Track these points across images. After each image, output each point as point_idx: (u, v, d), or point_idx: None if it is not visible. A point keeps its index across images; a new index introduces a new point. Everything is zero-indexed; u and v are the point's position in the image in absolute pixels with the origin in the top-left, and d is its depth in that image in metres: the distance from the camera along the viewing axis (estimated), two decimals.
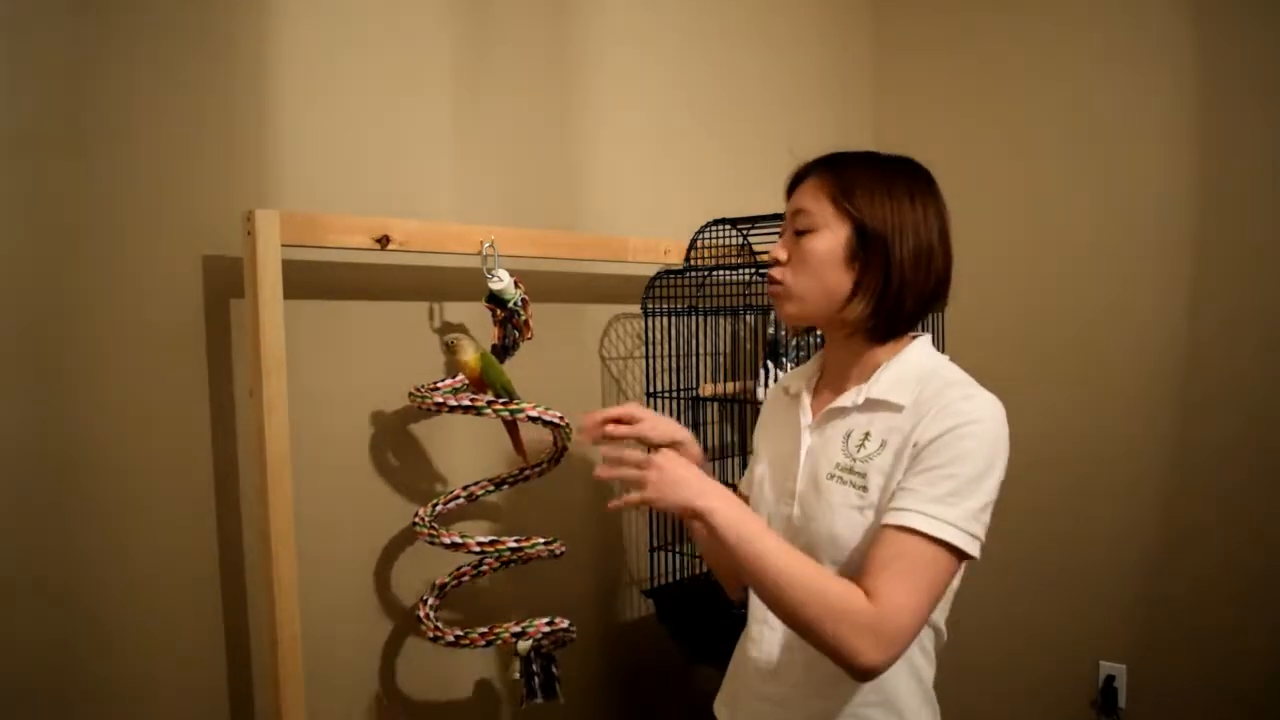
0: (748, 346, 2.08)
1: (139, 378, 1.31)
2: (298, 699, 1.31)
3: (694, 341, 1.93)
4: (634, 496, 1.03)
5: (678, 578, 1.93)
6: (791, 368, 1.81)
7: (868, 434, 1.08)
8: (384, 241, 1.42)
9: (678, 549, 1.93)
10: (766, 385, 1.83)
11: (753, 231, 1.89)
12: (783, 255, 1.12)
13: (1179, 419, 2.19)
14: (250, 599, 1.42)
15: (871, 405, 1.09)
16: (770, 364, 1.85)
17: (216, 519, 1.39)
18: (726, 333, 2.07)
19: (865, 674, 0.96)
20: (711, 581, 1.93)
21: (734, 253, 1.91)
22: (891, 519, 0.99)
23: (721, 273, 1.88)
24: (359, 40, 1.53)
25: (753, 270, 1.86)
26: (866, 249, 1.06)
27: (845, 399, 1.11)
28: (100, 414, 1.28)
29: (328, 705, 1.48)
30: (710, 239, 1.90)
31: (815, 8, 2.50)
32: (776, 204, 2.03)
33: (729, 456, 2.07)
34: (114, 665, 1.29)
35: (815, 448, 1.13)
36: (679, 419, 1.95)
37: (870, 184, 1.08)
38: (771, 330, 1.91)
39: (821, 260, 1.08)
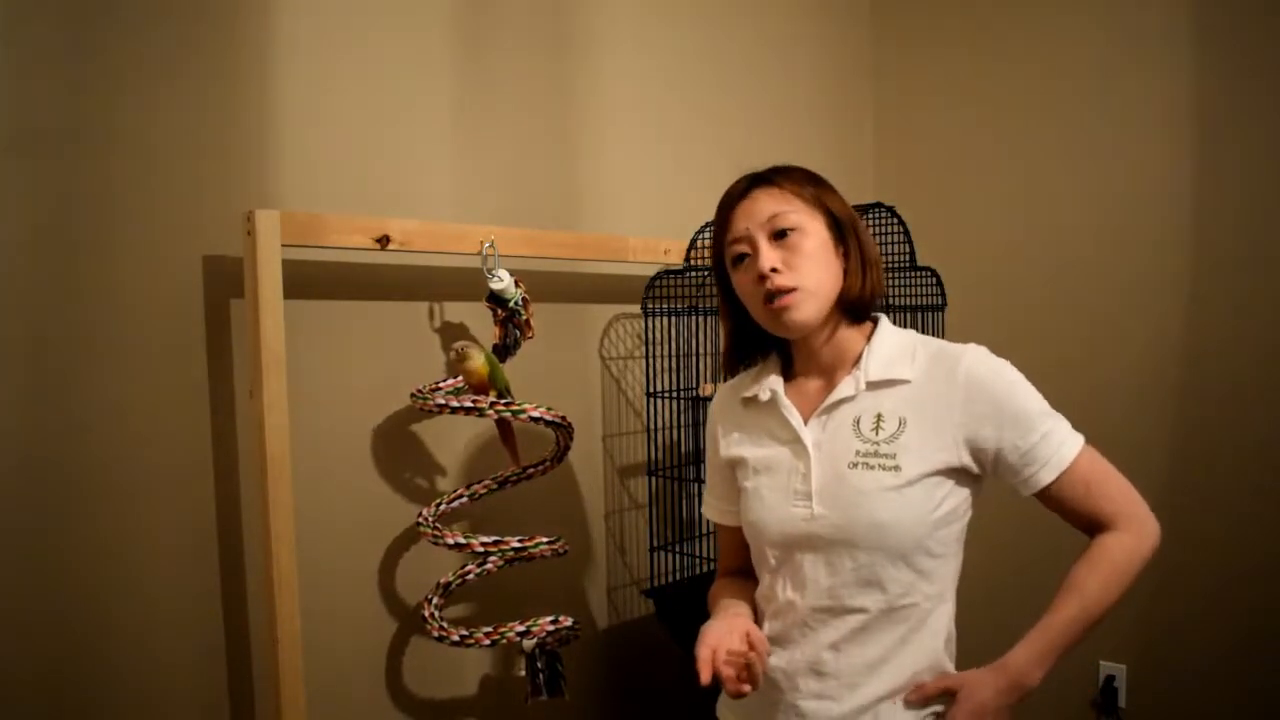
0: None
1: (139, 378, 1.31)
2: (298, 699, 1.31)
3: (694, 341, 1.93)
4: None
5: (678, 578, 1.93)
6: None
7: (879, 415, 1.11)
8: (384, 241, 1.42)
9: (678, 549, 1.93)
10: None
11: None
12: (778, 262, 1.11)
13: (1178, 419, 2.18)
14: (251, 599, 1.42)
15: (874, 386, 1.12)
16: None
17: (216, 519, 1.39)
18: None
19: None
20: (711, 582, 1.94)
21: None
22: (1049, 474, 1.08)
23: None
24: (359, 40, 1.53)
25: None
26: (843, 236, 1.15)
27: (845, 388, 1.13)
28: (100, 414, 1.28)
29: (328, 705, 1.48)
30: (710, 239, 1.89)
31: (814, 7, 2.50)
32: None
33: None
34: (114, 664, 1.29)
35: (822, 441, 1.13)
36: (679, 419, 1.95)
37: (816, 180, 1.17)
38: None
39: (817, 252, 1.12)
